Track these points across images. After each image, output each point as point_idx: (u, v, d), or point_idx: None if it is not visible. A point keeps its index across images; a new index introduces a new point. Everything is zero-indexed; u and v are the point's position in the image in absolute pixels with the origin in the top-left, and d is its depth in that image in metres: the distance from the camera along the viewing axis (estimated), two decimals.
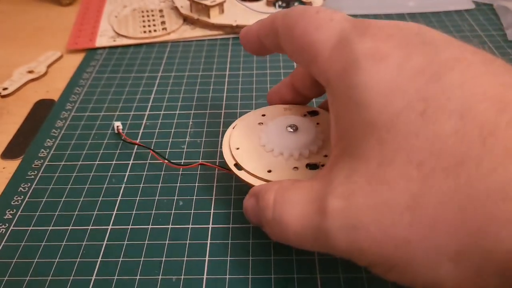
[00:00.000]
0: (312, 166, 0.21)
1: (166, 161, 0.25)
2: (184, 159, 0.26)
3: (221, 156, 0.25)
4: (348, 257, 0.15)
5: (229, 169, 0.22)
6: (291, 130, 0.22)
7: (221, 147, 0.23)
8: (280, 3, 0.40)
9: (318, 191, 0.16)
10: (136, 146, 0.27)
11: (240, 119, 0.24)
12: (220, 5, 0.39)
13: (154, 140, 0.28)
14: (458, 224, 0.12)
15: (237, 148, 0.22)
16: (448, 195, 0.12)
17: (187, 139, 0.28)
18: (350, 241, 0.14)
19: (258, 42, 0.22)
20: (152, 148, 0.27)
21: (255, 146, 0.22)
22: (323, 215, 0.15)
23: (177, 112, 0.30)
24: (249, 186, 0.21)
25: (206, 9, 0.38)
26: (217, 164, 0.25)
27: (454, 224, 0.12)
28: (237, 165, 0.21)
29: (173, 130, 0.29)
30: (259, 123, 0.24)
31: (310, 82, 0.23)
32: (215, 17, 0.39)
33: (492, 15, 0.40)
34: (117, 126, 0.28)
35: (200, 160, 0.26)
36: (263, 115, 0.24)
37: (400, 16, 0.41)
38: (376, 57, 0.15)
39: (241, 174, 0.21)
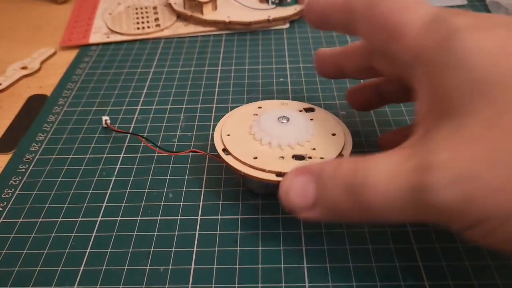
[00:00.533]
0: (298, 157, 0.21)
1: (157, 148, 0.26)
2: (175, 152, 0.27)
3: (212, 149, 0.25)
4: (449, 216, 0.14)
5: (219, 156, 0.22)
6: (283, 121, 0.22)
7: (212, 139, 0.23)
8: None
9: (414, 151, 0.15)
10: (127, 139, 0.28)
11: (236, 109, 0.25)
12: (213, 1, 0.39)
13: (145, 134, 0.28)
14: None
15: (228, 135, 0.23)
16: None
17: (178, 133, 0.28)
18: (461, 193, 0.13)
19: (323, 15, 0.21)
20: (142, 143, 0.27)
21: (245, 134, 0.22)
22: (425, 170, 0.14)
23: (169, 106, 0.30)
24: (235, 172, 0.21)
25: (199, 5, 0.38)
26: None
27: None
28: (225, 150, 0.22)
29: (164, 124, 0.29)
30: (254, 114, 0.24)
31: (397, 86, 0.23)
32: (208, 14, 0.39)
33: (485, 11, 0.41)
34: (105, 120, 0.28)
35: (191, 143, 0.26)
36: (259, 107, 0.24)
37: None
38: (480, 28, 0.16)
39: (227, 158, 0.21)
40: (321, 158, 0.21)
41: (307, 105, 0.24)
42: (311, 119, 0.23)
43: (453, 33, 0.16)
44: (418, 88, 0.18)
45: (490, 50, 0.15)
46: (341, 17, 0.20)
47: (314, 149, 0.21)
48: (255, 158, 0.21)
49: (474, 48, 0.15)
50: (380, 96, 0.24)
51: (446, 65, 0.16)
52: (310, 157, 0.21)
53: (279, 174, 0.20)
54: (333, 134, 0.22)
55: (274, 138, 0.21)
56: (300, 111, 0.24)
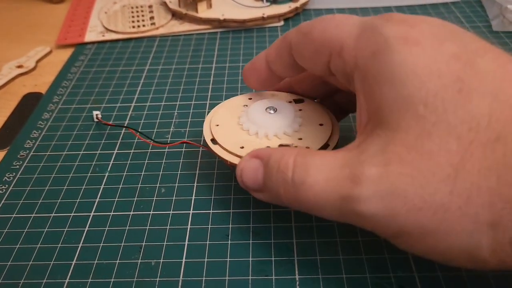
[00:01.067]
0: (284, 147, 0.21)
1: (151, 141, 0.26)
2: (168, 148, 0.27)
3: (205, 142, 0.25)
4: (373, 226, 0.15)
5: (208, 146, 0.22)
6: (271, 111, 0.22)
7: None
8: None
9: (349, 159, 0.16)
10: (120, 136, 0.28)
11: (226, 101, 0.25)
12: None
13: (139, 130, 0.28)
14: (496, 193, 0.13)
15: (217, 125, 0.23)
16: (486, 166, 0.13)
17: (171, 129, 0.28)
18: (384, 208, 0.15)
19: (266, 69, 0.22)
20: (136, 137, 0.27)
21: (234, 125, 0.23)
22: (355, 181, 0.15)
23: (163, 103, 0.30)
24: (224, 162, 0.21)
25: (194, 3, 0.39)
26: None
27: (492, 193, 0.13)
28: (213, 140, 0.22)
29: (158, 121, 0.29)
30: (243, 105, 0.24)
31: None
32: (203, 12, 0.39)
33: (479, 7, 0.41)
34: (96, 114, 0.29)
35: (184, 139, 0.27)
36: (250, 99, 0.25)
37: (387, 9, 0.41)
38: (408, 41, 0.16)
39: (215, 148, 0.22)
40: (306, 147, 0.21)
41: (296, 96, 0.25)
42: (300, 110, 0.23)
43: (384, 44, 0.16)
44: (358, 97, 0.18)
45: (422, 66, 0.15)
46: (283, 58, 0.21)
47: (300, 139, 0.22)
48: (242, 147, 0.21)
49: (404, 63, 0.15)
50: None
51: (378, 77, 0.16)
52: (296, 147, 0.21)
53: None
54: (321, 124, 0.22)
55: (261, 128, 0.22)
56: (290, 102, 0.24)
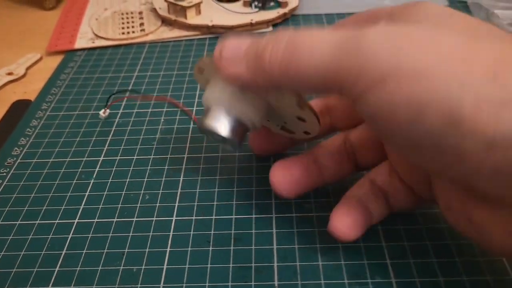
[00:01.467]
0: None
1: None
2: (153, 155, 0.27)
3: (190, 151, 0.26)
4: (365, 63, 0.15)
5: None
6: None
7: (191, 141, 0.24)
8: (256, 3, 0.40)
9: (352, 30, 0.15)
10: (107, 143, 0.28)
11: None
12: (197, 6, 0.39)
13: (125, 137, 0.28)
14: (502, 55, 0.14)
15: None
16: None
17: (157, 136, 0.28)
18: (389, 42, 0.14)
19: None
20: (123, 143, 0.28)
21: None
22: (363, 31, 0.15)
23: (150, 110, 0.31)
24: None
25: (183, 10, 0.39)
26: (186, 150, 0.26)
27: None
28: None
29: (144, 128, 0.29)
30: None
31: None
32: (192, 18, 0.39)
33: (466, 12, 0.41)
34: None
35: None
36: None
37: None
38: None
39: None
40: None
41: None
42: None
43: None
44: None
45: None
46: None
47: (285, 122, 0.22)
48: None
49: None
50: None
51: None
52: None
53: None
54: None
55: None
56: None
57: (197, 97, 0.32)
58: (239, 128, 0.20)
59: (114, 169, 0.26)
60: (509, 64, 0.13)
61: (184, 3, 0.39)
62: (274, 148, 0.25)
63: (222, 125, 0.20)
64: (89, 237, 0.22)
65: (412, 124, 0.14)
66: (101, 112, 0.30)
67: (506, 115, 0.13)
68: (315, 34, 0.16)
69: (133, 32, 0.40)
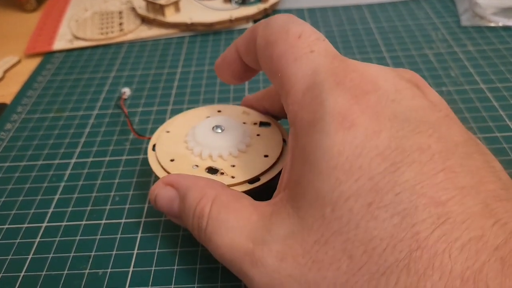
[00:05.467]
0: (212, 170, 0.21)
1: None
2: (126, 156, 0.27)
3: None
4: None
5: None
6: (218, 131, 0.22)
7: None
8: None
9: (256, 231, 0.16)
10: (80, 145, 0.28)
11: (194, 109, 0.25)
12: (175, 3, 0.39)
13: (99, 139, 0.28)
14: None
15: (168, 131, 0.23)
16: None
17: (130, 137, 0.28)
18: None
19: (237, 61, 0.21)
20: (96, 145, 0.27)
21: (181, 135, 0.22)
22: (254, 263, 0.15)
23: (126, 110, 0.30)
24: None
25: (162, 8, 0.39)
26: None
27: None
28: (154, 146, 0.22)
29: (118, 128, 0.29)
30: (206, 117, 0.24)
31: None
32: (171, 16, 0.39)
33: (449, 2, 0.40)
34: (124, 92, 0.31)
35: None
36: (219, 111, 0.24)
37: (358, 8, 0.41)
38: (344, 124, 0.14)
39: (150, 154, 0.22)
40: (232, 177, 0.20)
41: (265, 119, 0.24)
42: (258, 135, 0.22)
43: (319, 120, 0.15)
44: (289, 152, 0.17)
45: (344, 161, 0.14)
46: (252, 52, 0.19)
47: (233, 165, 0.21)
48: (172, 160, 0.21)
49: (329, 151, 0.14)
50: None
51: (305, 155, 0.15)
52: (222, 173, 0.20)
53: None
54: (266, 156, 0.21)
55: (198, 146, 0.21)
56: (255, 123, 0.23)
57: (172, 96, 0.31)
58: None
59: (85, 171, 0.26)
60: None
61: (162, 1, 0.38)
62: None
63: None
64: (57, 241, 0.22)
65: None
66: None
67: None
68: (221, 241, 0.16)
69: (112, 32, 0.39)
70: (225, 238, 0.16)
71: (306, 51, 0.17)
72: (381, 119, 0.14)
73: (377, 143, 0.14)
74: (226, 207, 0.17)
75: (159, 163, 0.21)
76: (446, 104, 0.17)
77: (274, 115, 0.24)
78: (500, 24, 0.36)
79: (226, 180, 0.20)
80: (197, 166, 0.21)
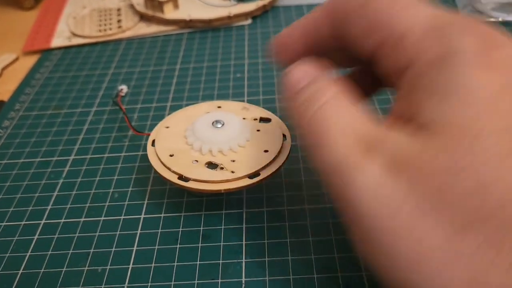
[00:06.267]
0: (211, 165, 0.20)
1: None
2: (125, 152, 0.26)
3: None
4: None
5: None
6: (218, 126, 0.22)
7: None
8: None
9: (373, 130, 0.14)
10: (78, 142, 0.27)
11: (194, 105, 0.25)
12: (174, 0, 0.39)
13: (98, 135, 0.28)
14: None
15: (167, 127, 0.23)
16: (483, 248, 0.11)
17: (129, 133, 0.28)
18: (372, 208, 0.13)
19: (302, 43, 0.18)
20: (94, 142, 0.27)
21: (180, 130, 0.22)
22: (367, 159, 0.13)
23: (124, 107, 0.30)
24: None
25: (160, 5, 0.38)
26: None
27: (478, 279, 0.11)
28: (153, 142, 0.22)
29: (117, 125, 0.29)
30: (206, 112, 0.23)
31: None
32: (169, 13, 0.39)
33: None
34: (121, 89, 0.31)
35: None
36: (219, 107, 0.24)
37: None
38: (484, 63, 0.13)
39: (150, 149, 0.22)
40: (232, 172, 0.20)
41: (265, 114, 0.23)
42: (258, 130, 0.22)
43: (455, 56, 0.14)
44: (399, 96, 0.15)
45: (484, 98, 0.13)
46: (325, 30, 0.17)
47: (233, 161, 0.21)
48: (171, 155, 0.21)
49: (469, 86, 0.13)
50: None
51: (435, 87, 0.14)
52: (222, 168, 0.20)
53: (180, 177, 0.20)
54: (266, 151, 0.21)
55: (197, 141, 0.21)
56: (255, 119, 0.23)
57: (172, 92, 0.31)
58: None
59: (84, 168, 0.26)
60: None
61: None
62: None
63: None
64: (55, 238, 0.22)
65: None
66: None
67: None
68: (341, 121, 0.15)
69: (110, 29, 0.39)
70: (337, 125, 0.14)
71: (413, 3, 0.15)
72: None
73: None
74: (343, 105, 0.15)
75: (159, 158, 0.21)
76: None
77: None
78: (500, 19, 0.36)
79: (226, 175, 0.20)
80: (196, 161, 0.21)
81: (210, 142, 0.21)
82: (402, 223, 0.12)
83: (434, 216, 0.12)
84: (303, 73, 0.17)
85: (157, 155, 0.21)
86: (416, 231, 0.12)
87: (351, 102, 0.15)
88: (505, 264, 0.11)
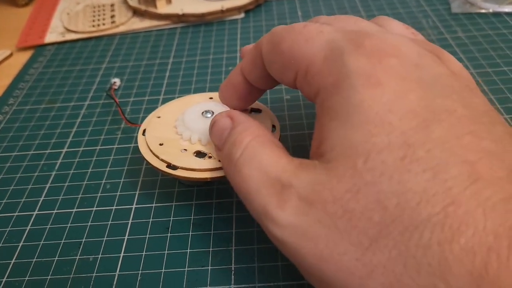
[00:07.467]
0: (200, 154, 0.21)
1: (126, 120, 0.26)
2: (117, 144, 0.27)
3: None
4: (281, 249, 0.15)
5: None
6: (208, 115, 0.22)
7: None
8: None
9: (285, 173, 0.15)
10: (71, 134, 0.28)
11: (188, 96, 0.25)
12: None
13: (90, 128, 0.28)
14: (397, 280, 0.12)
15: (158, 117, 0.23)
16: (398, 250, 0.12)
17: (121, 126, 0.28)
18: (295, 243, 0.14)
19: (243, 82, 0.20)
20: (87, 134, 0.27)
21: (171, 120, 0.22)
22: (280, 204, 0.15)
23: (117, 100, 0.30)
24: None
25: (153, 0, 0.38)
26: None
27: (394, 277, 0.12)
28: (145, 131, 0.22)
29: (110, 118, 0.29)
30: (198, 103, 0.24)
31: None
32: (162, 7, 0.39)
33: None
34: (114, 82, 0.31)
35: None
36: (211, 98, 0.24)
37: None
38: (370, 81, 0.14)
39: (140, 138, 0.22)
40: (219, 160, 0.20)
41: (257, 106, 0.23)
42: None
43: (345, 78, 0.15)
44: (316, 122, 0.17)
45: (375, 115, 0.14)
46: (257, 68, 0.19)
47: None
48: (161, 144, 0.21)
49: (359, 106, 0.14)
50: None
51: (332, 112, 0.15)
52: (210, 157, 0.20)
53: (169, 165, 0.20)
54: None
55: (186, 130, 0.21)
56: (246, 109, 0.23)
57: (164, 86, 0.31)
58: None
59: (76, 160, 0.26)
60: None
61: None
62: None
63: None
64: (47, 228, 0.22)
65: None
66: None
67: None
68: (250, 173, 0.16)
69: (103, 24, 0.39)
70: (255, 172, 0.16)
71: (315, 33, 0.17)
72: (407, 81, 0.14)
73: (406, 102, 0.14)
74: (263, 145, 0.17)
75: (148, 147, 0.21)
76: (468, 74, 0.17)
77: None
78: (491, 11, 0.36)
79: (213, 163, 0.20)
80: (185, 150, 0.21)
81: (199, 131, 0.21)
82: (323, 254, 0.13)
83: (346, 239, 0.13)
84: (225, 122, 0.18)
85: (147, 144, 0.21)
86: (334, 257, 0.13)
87: (269, 141, 0.17)
88: (416, 266, 0.12)
